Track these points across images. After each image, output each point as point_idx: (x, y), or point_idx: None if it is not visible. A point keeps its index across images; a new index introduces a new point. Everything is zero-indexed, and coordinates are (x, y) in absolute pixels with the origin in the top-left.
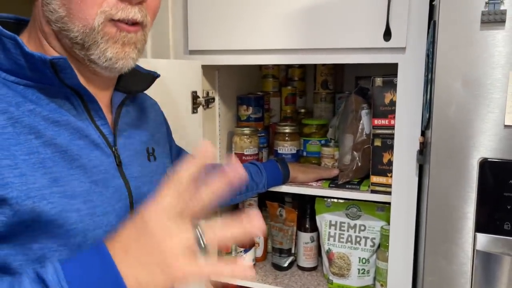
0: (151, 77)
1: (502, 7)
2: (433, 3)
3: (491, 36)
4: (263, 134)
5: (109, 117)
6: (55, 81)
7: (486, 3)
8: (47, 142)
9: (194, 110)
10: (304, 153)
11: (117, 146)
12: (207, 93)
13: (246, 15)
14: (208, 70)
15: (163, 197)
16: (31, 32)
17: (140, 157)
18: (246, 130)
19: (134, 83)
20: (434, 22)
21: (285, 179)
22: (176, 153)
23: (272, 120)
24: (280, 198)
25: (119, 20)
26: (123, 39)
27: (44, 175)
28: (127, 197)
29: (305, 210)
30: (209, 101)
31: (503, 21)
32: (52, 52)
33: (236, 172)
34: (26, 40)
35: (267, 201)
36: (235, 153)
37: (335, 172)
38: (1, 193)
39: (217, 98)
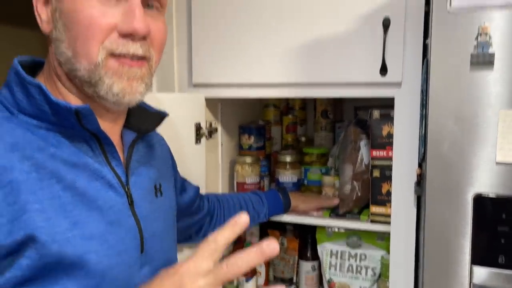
0: (160, 116)
1: (490, 50)
2: (426, 42)
3: (481, 77)
4: (264, 163)
5: (120, 155)
6: (77, 126)
7: (475, 46)
8: (68, 186)
9: (198, 140)
10: (305, 182)
11: (129, 185)
12: (210, 124)
13: (247, 51)
14: (211, 102)
15: (201, 261)
16: (47, 75)
17: (149, 194)
18: (248, 159)
19: (144, 122)
20: (427, 60)
21: (286, 208)
22: (180, 185)
23: (274, 148)
24: (282, 226)
25: (120, 55)
26: (127, 74)
27: (65, 218)
28: (138, 236)
29: (307, 239)
30: (212, 132)
31: (492, 63)
32: (65, 92)
33: (273, 250)
34: (43, 82)
35: (268, 229)
36: (237, 182)
37: (336, 201)
38: (34, 235)
39: (219, 128)
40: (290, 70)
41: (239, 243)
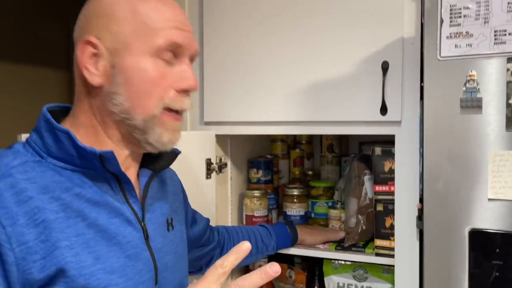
0: (174, 154)
1: (478, 95)
2: (422, 84)
3: (470, 120)
4: (272, 196)
5: (136, 191)
6: (100, 168)
7: (464, 91)
8: (91, 224)
9: (208, 175)
10: (312, 215)
11: (145, 220)
12: (220, 159)
13: (256, 91)
14: (221, 138)
15: (209, 285)
16: (72, 121)
17: (161, 229)
18: (256, 193)
19: (159, 160)
20: (422, 102)
21: (294, 242)
22: (191, 218)
23: (281, 181)
24: (289, 259)
25: (173, 109)
26: (173, 126)
27: (89, 254)
28: (153, 268)
29: (314, 271)
30: (221, 167)
31: (480, 107)
32: (105, 139)
33: (275, 271)
34: (69, 125)
35: (276, 262)
36: (246, 215)
37: (342, 234)
38: (64, 270)
39: (229, 163)
40: (296, 109)
41: None
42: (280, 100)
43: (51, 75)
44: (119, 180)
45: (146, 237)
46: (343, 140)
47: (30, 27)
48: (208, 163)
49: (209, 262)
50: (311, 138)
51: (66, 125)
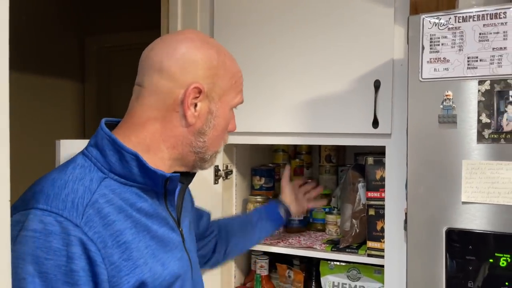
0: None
1: (453, 112)
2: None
3: (447, 133)
4: None
5: None
6: (160, 186)
7: (441, 108)
8: (153, 236)
9: (216, 181)
10: (311, 220)
11: (181, 226)
12: (227, 166)
13: (260, 104)
14: (228, 147)
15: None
16: (148, 144)
17: (188, 229)
18: (259, 198)
19: (190, 175)
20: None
21: (287, 212)
22: (197, 212)
23: None
24: (289, 260)
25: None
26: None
27: (157, 262)
28: (190, 266)
29: (311, 272)
30: (228, 173)
31: (455, 122)
32: (160, 160)
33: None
34: (122, 138)
35: (276, 263)
36: None
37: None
38: (144, 282)
39: (234, 170)
40: (297, 121)
41: (250, 275)
42: (282, 113)
43: (66, 85)
44: (165, 193)
45: (183, 241)
46: (340, 151)
47: (47, 40)
48: (216, 169)
49: (213, 249)
50: (310, 149)
51: (117, 134)
